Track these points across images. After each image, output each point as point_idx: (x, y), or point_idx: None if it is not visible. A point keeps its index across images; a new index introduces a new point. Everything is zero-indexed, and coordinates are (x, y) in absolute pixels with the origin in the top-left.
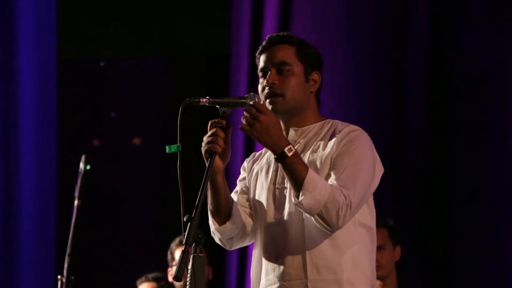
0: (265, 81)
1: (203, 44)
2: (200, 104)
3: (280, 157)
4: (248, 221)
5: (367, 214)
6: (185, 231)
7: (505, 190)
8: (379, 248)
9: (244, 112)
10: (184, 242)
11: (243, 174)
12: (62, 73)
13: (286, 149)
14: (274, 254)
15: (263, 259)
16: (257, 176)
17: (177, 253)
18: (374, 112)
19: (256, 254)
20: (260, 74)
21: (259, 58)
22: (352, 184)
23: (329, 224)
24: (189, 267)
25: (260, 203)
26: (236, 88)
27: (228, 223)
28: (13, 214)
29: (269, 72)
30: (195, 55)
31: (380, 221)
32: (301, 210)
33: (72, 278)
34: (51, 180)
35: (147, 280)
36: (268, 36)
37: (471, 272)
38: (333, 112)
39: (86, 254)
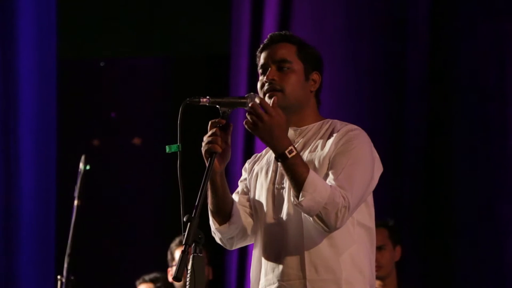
0: (265, 77)
1: (203, 44)
2: (200, 104)
3: (281, 158)
4: (249, 221)
5: (366, 214)
6: (185, 231)
7: (505, 190)
8: (379, 248)
9: (249, 109)
10: (184, 242)
11: (244, 174)
12: (62, 73)
13: (287, 151)
14: (273, 254)
15: (263, 259)
16: (257, 176)
17: (177, 253)
18: (374, 112)
19: (256, 254)
20: (260, 71)
21: (259, 56)
22: (350, 184)
23: (328, 225)
24: (189, 267)
25: (260, 203)
26: (236, 88)
27: (228, 223)
28: (13, 214)
29: (269, 69)
30: (195, 55)
31: (380, 221)
32: (300, 211)
33: (72, 278)
34: (51, 180)
35: (144, 281)
36: (270, 34)
37: (471, 272)
38: (333, 112)
39: (86, 254)
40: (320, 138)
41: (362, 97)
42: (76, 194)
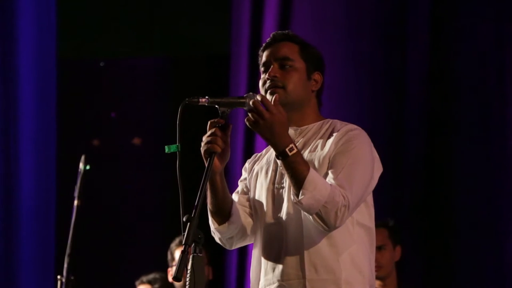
0: (267, 74)
1: (203, 44)
2: (200, 104)
3: (281, 155)
4: (248, 221)
5: (366, 214)
6: (184, 231)
7: (505, 190)
8: (379, 248)
9: (250, 106)
10: (183, 242)
11: (244, 174)
12: (62, 73)
13: (287, 148)
14: (273, 254)
15: (262, 259)
16: (257, 176)
17: (177, 253)
18: (374, 112)
19: (255, 253)
20: (262, 69)
21: (261, 55)
22: (350, 184)
23: (327, 224)
24: (189, 267)
25: (260, 202)
26: (236, 88)
27: (227, 223)
28: (13, 214)
29: (271, 66)
30: (195, 55)
31: (380, 221)
32: (300, 209)
33: (72, 278)
34: (51, 180)
35: (142, 282)
36: (273, 33)
37: (471, 272)
38: (333, 112)
39: (86, 254)
40: (320, 137)
41: (362, 97)
42: (76, 194)
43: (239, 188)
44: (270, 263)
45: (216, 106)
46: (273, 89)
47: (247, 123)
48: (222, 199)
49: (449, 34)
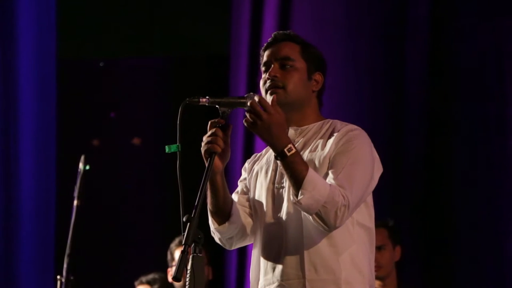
0: (267, 74)
1: (203, 44)
2: (200, 104)
3: (280, 156)
4: (248, 221)
5: (366, 214)
6: (184, 231)
7: (505, 190)
8: (379, 248)
9: (248, 107)
10: (183, 242)
11: (244, 174)
12: (62, 73)
13: (286, 149)
14: (273, 254)
15: (262, 259)
16: (257, 176)
17: (177, 253)
18: (374, 112)
19: (255, 253)
20: (263, 69)
21: (263, 55)
22: (350, 184)
23: (327, 223)
24: (189, 267)
25: (260, 202)
26: (235, 88)
27: (227, 223)
28: (13, 214)
29: (272, 66)
30: (195, 55)
31: (380, 221)
32: (300, 209)
33: (72, 278)
34: (51, 180)
35: (141, 283)
36: (274, 33)
37: (471, 272)
38: (333, 112)
39: (85, 254)
40: (321, 138)
41: (362, 97)
42: (75, 194)
43: (238, 188)
44: (270, 263)
45: (217, 106)
46: (273, 89)
47: (245, 124)
48: (222, 199)
49: (449, 34)
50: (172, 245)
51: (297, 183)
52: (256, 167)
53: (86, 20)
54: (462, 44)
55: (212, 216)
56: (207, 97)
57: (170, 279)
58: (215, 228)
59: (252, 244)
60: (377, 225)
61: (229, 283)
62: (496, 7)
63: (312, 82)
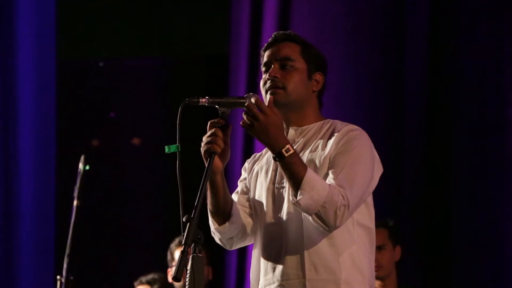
0: (267, 75)
1: (202, 44)
2: (200, 104)
3: (278, 157)
4: (248, 221)
5: (366, 214)
6: (184, 232)
7: (505, 190)
8: (379, 248)
9: (246, 109)
10: (183, 243)
11: (244, 174)
12: (61, 73)
13: (284, 149)
14: (273, 254)
15: (262, 259)
16: (257, 176)
17: (177, 254)
18: (374, 112)
19: (255, 253)
20: (263, 69)
21: (263, 55)
22: (350, 184)
23: (327, 224)
24: (189, 267)
25: (260, 202)
26: (235, 88)
27: (227, 223)
28: (13, 214)
29: (272, 66)
30: (195, 55)
31: (380, 221)
32: (299, 209)
33: (71, 278)
34: (50, 180)
35: (141, 283)
36: (274, 33)
37: (471, 272)
38: (333, 112)
39: (85, 255)
40: (321, 138)
41: (362, 97)
42: (75, 194)
43: (238, 188)
44: (270, 263)
45: (216, 106)
46: (273, 89)
47: (242, 126)
48: (223, 199)
49: (449, 34)
50: (172, 245)
51: (296, 184)
52: (256, 167)
53: (86, 20)
54: (462, 44)
55: (212, 217)
56: (206, 97)
57: (170, 279)
58: (215, 228)
59: (252, 244)
60: (377, 225)
61: (229, 283)
62: (497, 7)
63: (312, 82)
